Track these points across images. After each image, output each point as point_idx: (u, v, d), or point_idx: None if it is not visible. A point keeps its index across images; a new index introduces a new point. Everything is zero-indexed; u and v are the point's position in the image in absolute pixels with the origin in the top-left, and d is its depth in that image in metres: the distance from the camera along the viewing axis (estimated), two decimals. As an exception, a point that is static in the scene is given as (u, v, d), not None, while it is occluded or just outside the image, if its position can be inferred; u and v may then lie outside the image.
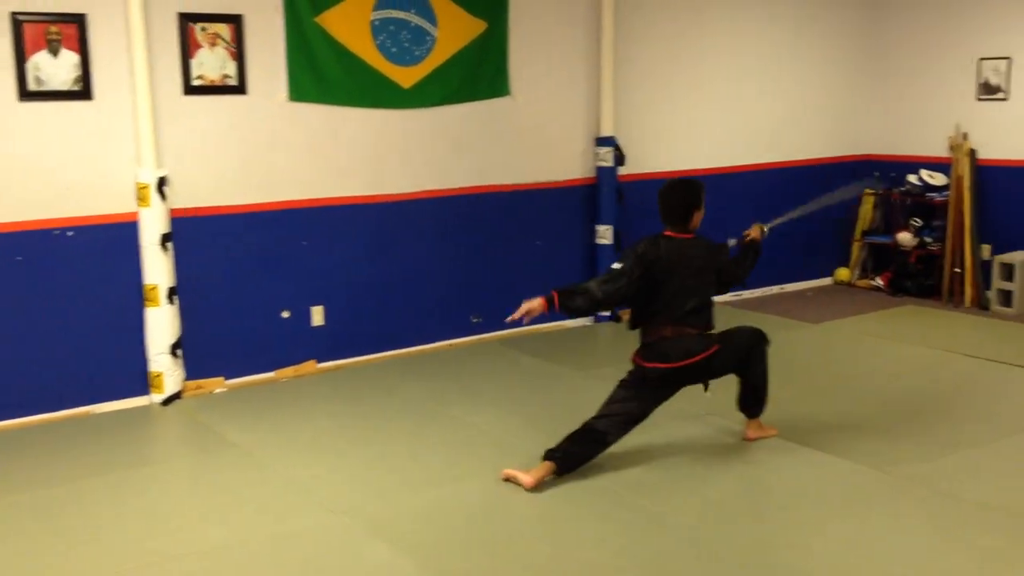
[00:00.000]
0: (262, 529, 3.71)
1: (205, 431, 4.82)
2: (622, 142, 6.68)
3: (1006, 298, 6.89)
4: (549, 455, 4.07)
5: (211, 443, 4.65)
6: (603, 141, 6.63)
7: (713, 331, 4.27)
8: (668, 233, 4.26)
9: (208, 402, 5.25)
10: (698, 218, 4.26)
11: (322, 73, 5.52)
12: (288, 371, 5.65)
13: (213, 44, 5.19)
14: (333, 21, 5.50)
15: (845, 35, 7.80)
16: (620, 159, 6.67)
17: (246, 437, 4.68)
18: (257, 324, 5.55)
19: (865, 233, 7.91)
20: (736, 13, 7.23)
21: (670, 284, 4.14)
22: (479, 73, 6.09)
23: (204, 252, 5.33)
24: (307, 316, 5.71)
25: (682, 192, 4.26)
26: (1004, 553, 3.42)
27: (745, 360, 4.32)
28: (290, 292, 5.64)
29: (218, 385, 5.44)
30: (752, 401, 4.44)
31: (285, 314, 5.63)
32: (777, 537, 3.59)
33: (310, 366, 5.73)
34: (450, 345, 6.23)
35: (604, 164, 6.65)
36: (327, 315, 5.77)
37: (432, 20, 5.85)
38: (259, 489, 4.09)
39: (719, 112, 7.27)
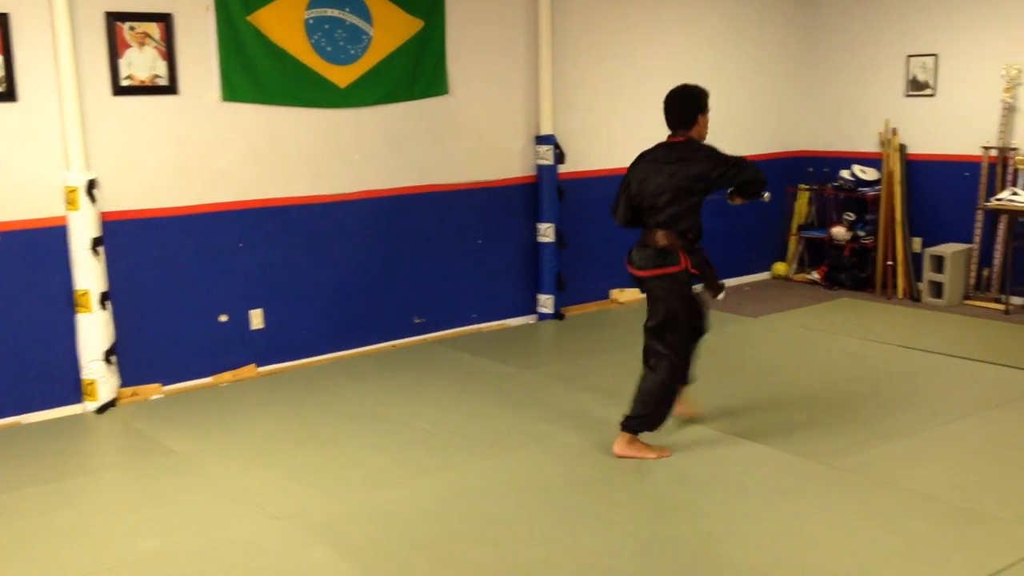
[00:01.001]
0: (200, 537, 3.65)
1: (141, 439, 4.72)
2: (562, 140, 6.71)
3: (937, 289, 7.07)
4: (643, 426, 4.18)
5: (147, 451, 4.55)
6: (543, 139, 6.64)
7: (686, 245, 4.11)
8: (668, 139, 4.25)
9: (144, 409, 5.14)
10: (703, 123, 4.22)
11: (256, 73, 5.44)
12: (227, 376, 5.56)
13: (142, 44, 5.08)
14: (266, 20, 5.42)
15: (778, 34, 7.93)
16: (560, 157, 6.70)
17: (184, 444, 4.59)
18: (194, 328, 5.45)
19: (801, 228, 8.05)
20: (673, 12, 7.30)
21: (646, 185, 4.15)
22: (417, 72, 6.06)
23: (137, 256, 5.23)
24: (246, 319, 5.63)
25: (679, 97, 4.24)
26: (933, 538, 3.51)
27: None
28: (228, 295, 5.55)
29: (155, 392, 5.33)
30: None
31: (223, 318, 5.55)
32: (716, 530, 3.64)
33: (250, 370, 5.64)
34: (392, 346, 6.20)
35: (544, 162, 6.67)
36: (266, 318, 5.69)
37: (368, 19, 5.80)
38: (197, 496, 4.02)
39: (657, 110, 7.31)
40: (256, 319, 5.66)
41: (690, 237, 4.16)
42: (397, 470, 4.24)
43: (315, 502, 3.93)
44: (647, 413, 4.21)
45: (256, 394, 5.35)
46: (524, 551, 3.49)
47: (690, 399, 4.60)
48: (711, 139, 4.34)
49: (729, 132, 7.76)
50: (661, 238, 4.12)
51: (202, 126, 5.36)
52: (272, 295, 5.70)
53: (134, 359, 5.23)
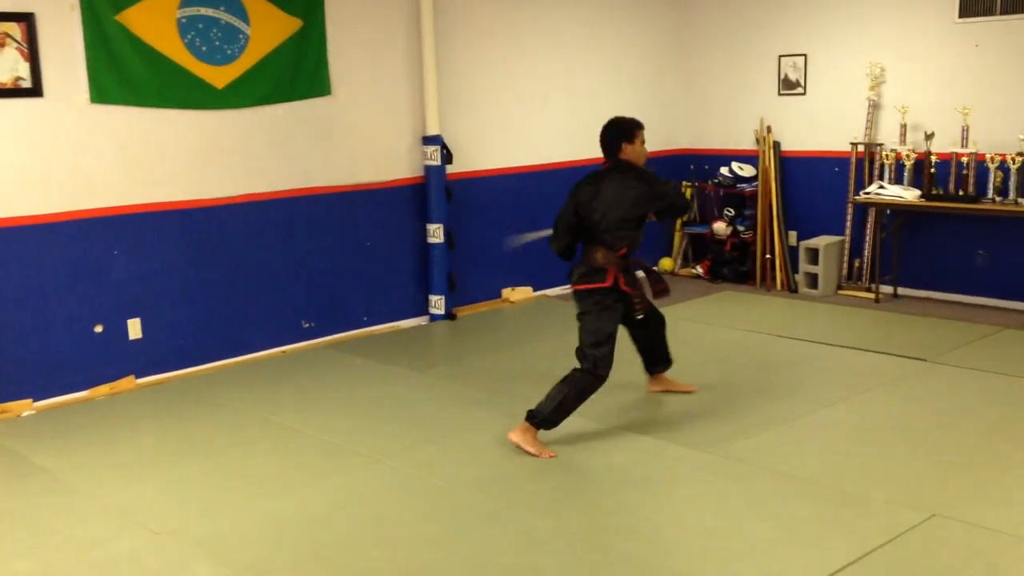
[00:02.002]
0: (76, 557, 3.49)
1: (11, 457, 4.48)
2: (449, 140, 6.69)
3: (812, 281, 7.36)
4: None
5: (18, 470, 4.33)
6: (430, 140, 6.62)
7: (620, 263, 4.37)
8: (601, 166, 4.52)
9: (15, 427, 4.89)
10: (629, 151, 4.42)
11: (127, 73, 5.24)
12: (103, 389, 5.33)
13: (2, 44, 4.84)
14: (136, 19, 5.23)
15: (658, 35, 8.11)
16: (448, 157, 6.68)
17: (58, 461, 4.39)
18: (67, 341, 5.22)
19: (684, 224, 8.26)
20: (554, 12, 7.38)
21: (589, 209, 4.40)
22: (298, 72, 5.95)
23: (3, 266, 4.97)
24: (123, 330, 5.41)
25: (606, 129, 4.48)
26: (812, 521, 3.64)
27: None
28: (103, 305, 5.33)
29: (26, 408, 5.08)
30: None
31: (98, 328, 5.32)
32: (605, 523, 3.69)
33: (128, 382, 5.43)
34: (281, 352, 6.06)
35: (432, 163, 6.64)
36: (145, 328, 5.49)
37: (244, 18, 5.66)
38: (72, 515, 3.84)
39: (543, 109, 7.40)
40: (134, 329, 5.45)
41: (626, 254, 4.39)
42: (286, 479, 4.15)
43: (199, 515, 3.81)
44: (547, 414, 4.32)
45: (135, 407, 5.16)
46: (416, 554, 3.47)
47: (668, 379, 5.07)
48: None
49: (613, 131, 7.91)
50: (600, 257, 4.35)
51: (70, 129, 5.13)
52: (151, 304, 5.51)
53: (2, 374, 4.98)
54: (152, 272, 5.50)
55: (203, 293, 5.72)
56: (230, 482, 4.13)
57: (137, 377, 5.48)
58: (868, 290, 7.22)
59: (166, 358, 5.59)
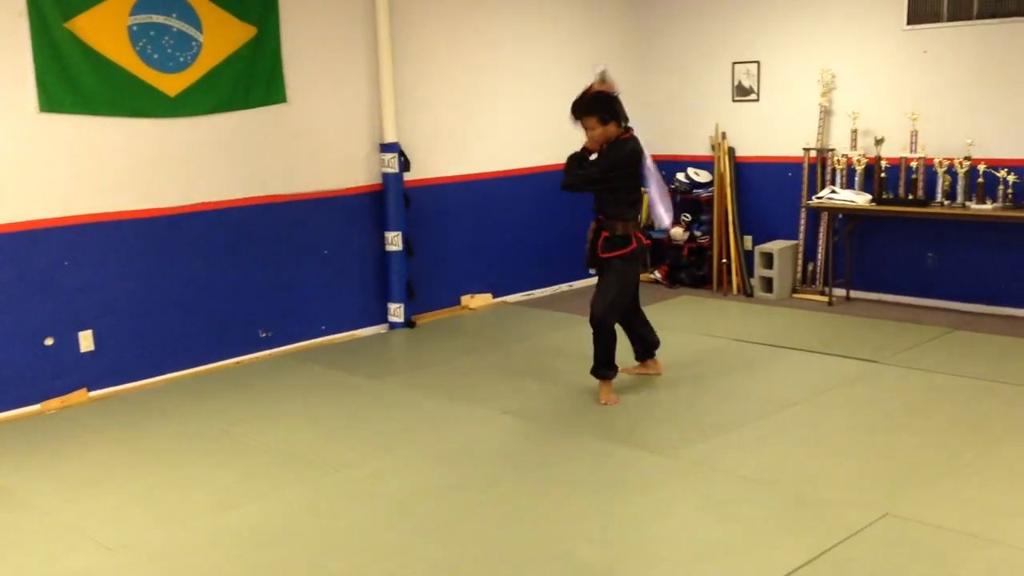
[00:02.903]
0: (26, 574, 3.42)
1: (-42, 475, 4.39)
2: (406, 147, 6.68)
3: (768, 284, 7.46)
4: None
5: (-34, 488, 4.24)
6: (387, 147, 6.60)
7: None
8: None
9: (-38, 443, 4.79)
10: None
11: (76, 82, 5.17)
12: (55, 402, 5.24)
13: (-53, 51, 4.74)
14: (85, 26, 5.16)
15: (614, 42, 8.16)
16: (405, 165, 6.67)
17: (8, 477, 4.30)
18: (16, 354, 5.12)
19: (642, 229, 8.30)
20: (511, 20, 7.40)
21: None
22: (252, 79, 5.90)
23: (-51, 279, 4.87)
24: (74, 342, 5.32)
25: None
26: (767, 522, 3.68)
27: None
28: (53, 317, 5.24)
29: (-26, 423, 4.98)
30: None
31: (48, 341, 5.23)
32: (563, 529, 3.69)
33: (80, 395, 5.34)
34: (237, 363, 6.00)
35: (389, 170, 6.63)
36: (97, 339, 5.40)
37: (197, 25, 5.61)
38: (24, 531, 3.77)
39: (500, 116, 7.42)
40: (85, 341, 5.36)
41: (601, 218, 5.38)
42: (242, 491, 4.11)
43: (153, 529, 3.76)
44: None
45: (87, 420, 5.07)
46: (372, 564, 3.45)
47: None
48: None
49: (574, 138, 7.93)
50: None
51: (18, 139, 5.05)
52: (103, 315, 5.42)
53: (-51, 390, 4.87)
54: (104, 283, 5.42)
55: (157, 303, 5.64)
56: (186, 495, 4.08)
57: (90, 390, 5.39)
58: (821, 293, 7.32)
59: (120, 370, 5.51)
